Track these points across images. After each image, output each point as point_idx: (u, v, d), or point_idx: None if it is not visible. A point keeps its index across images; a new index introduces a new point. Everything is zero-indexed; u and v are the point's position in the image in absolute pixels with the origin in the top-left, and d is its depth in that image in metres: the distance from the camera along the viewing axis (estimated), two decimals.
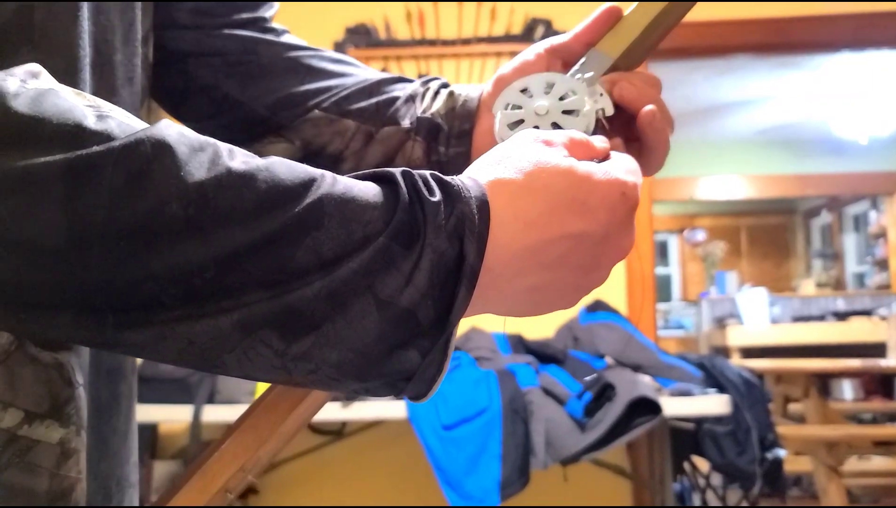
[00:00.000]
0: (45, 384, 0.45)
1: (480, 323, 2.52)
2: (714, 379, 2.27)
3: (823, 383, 4.63)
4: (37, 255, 0.32)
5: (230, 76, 0.65)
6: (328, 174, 0.38)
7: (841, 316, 5.77)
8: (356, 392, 0.40)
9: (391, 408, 2.05)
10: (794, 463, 3.32)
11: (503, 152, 0.43)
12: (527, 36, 2.75)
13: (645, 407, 1.89)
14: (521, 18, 2.78)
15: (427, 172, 0.40)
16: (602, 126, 0.54)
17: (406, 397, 0.40)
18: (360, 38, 2.76)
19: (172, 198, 0.33)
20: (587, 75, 0.57)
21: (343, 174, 0.64)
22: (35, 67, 0.36)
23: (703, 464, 2.44)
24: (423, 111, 0.65)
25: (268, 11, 0.68)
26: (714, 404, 2.03)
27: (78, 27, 0.47)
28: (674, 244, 8.89)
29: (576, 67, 0.58)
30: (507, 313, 0.44)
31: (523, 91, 0.56)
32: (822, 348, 5.28)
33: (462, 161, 0.63)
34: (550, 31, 2.75)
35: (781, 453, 2.35)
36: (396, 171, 0.39)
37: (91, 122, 0.33)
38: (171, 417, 2.18)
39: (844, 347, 5.31)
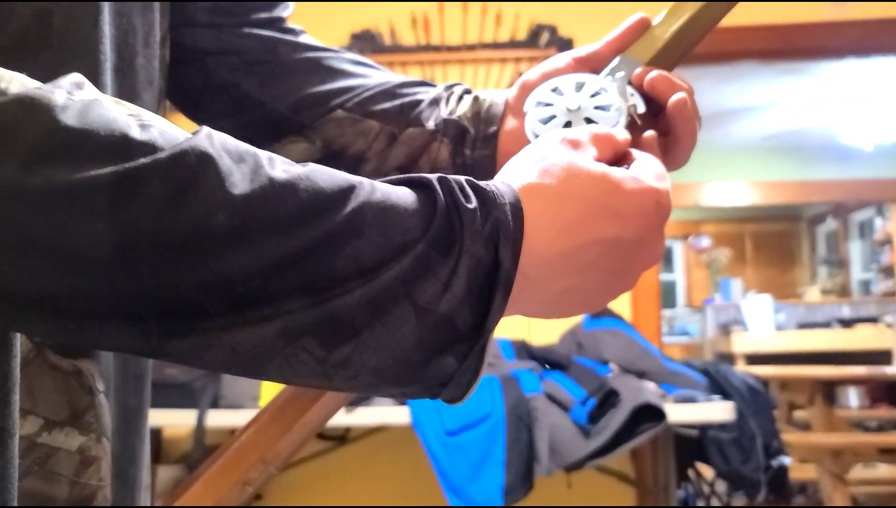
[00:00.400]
0: (65, 392, 0.45)
1: None
2: (718, 386, 2.27)
3: (829, 390, 4.60)
4: (85, 266, 0.33)
5: (250, 75, 0.65)
6: (366, 181, 0.38)
7: (846, 323, 5.76)
8: (393, 396, 0.42)
9: (395, 414, 2.05)
10: (799, 471, 3.31)
11: (534, 156, 0.44)
12: (532, 42, 2.76)
13: (649, 414, 1.88)
14: (527, 24, 2.78)
15: (462, 178, 0.40)
16: (634, 123, 0.55)
17: (441, 400, 0.41)
18: (366, 43, 2.77)
19: (218, 209, 0.33)
20: (618, 76, 0.57)
21: (365, 175, 0.66)
22: (78, 77, 0.36)
23: (707, 471, 2.44)
24: (449, 114, 0.65)
25: (284, 11, 0.68)
26: (718, 410, 2.03)
27: (98, 31, 0.47)
28: (678, 251, 8.88)
29: (606, 70, 0.59)
30: (537, 315, 0.44)
31: (554, 90, 0.57)
32: (828, 355, 5.27)
33: (487, 163, 0.63)
34: (555, 36, 2.75)
35: (786, 460, 2.34)
36: (433, 177, 0.39)
37: (136, 133, 0.34)
38: (175, 422, 2.18)
39: (850, 354, 5.29)
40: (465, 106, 0.65)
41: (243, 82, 0.65)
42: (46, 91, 0.33)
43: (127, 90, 0.50)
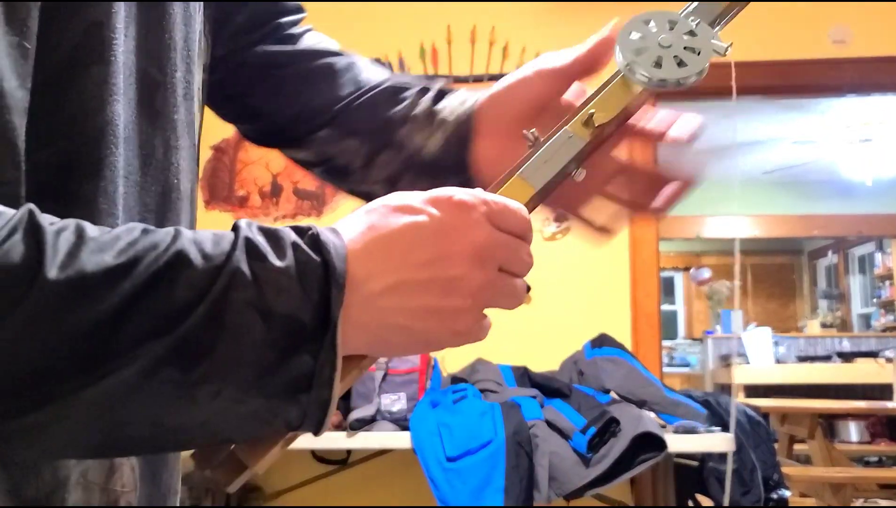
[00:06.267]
0: None
1: (486, 354, 2.53)
2: (719, 417, 2.27)
3: (829, 424, 4.60)
4: None
5: (255, 87, 0.69)
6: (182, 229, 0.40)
7: (846, 357, 5.76)
8: (264, 420, 0.40)
9: (396, 438, 2.06)
10: (799, 504, 3.30)
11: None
12: None
13: (649, 443, 1.89)
14: (532, 56, 2.82)
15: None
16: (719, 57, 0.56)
17: (311, 418, 0.41)
18: None
19: (49, 269, 0.35)
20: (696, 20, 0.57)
21: (354, 184, 0.67)
22: None
23: (707, 502, 2.43)
24: (418, 149, 0.66)
25: (284, 18, 0.70)
26: (718, 441, 2.03)
27: (147, 46, 0.49)
28: (679, 282, 8.89)
29: (689, 10, 0.58)
30: (386, 341, 0.44)
31: (647, 22, 0.57)
32: (828, 388, 5.26)
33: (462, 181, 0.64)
34: None
35: (786, 493, 2.34)
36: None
37: None
38: None
39: (850, 388, 5.29)
40: (437, 139, 0.66)
41: (250, 95, 0.69)
42: None
43: (168, 102, 0.52)
